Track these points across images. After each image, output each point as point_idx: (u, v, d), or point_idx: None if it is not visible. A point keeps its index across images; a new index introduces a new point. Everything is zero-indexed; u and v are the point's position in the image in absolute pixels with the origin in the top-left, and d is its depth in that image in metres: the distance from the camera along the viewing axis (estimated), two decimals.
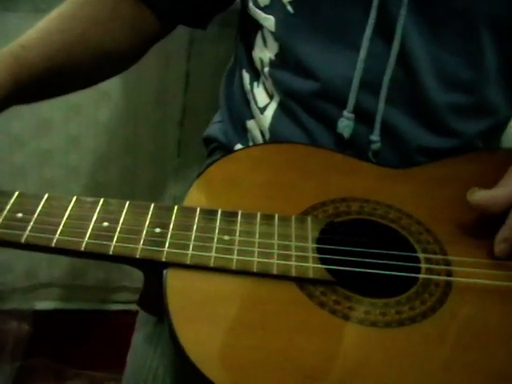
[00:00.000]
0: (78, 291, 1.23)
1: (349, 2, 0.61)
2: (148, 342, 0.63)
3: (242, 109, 0.75)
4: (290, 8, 0.63)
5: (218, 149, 0.80)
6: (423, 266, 0.54)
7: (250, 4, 0.68)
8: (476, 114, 0.67)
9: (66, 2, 0.67)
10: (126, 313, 1.23)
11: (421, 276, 0.53)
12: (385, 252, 0.54)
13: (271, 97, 0.70)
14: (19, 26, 0.66)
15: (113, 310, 1.26)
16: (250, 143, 0.75)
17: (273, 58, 0.67)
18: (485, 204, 0.55)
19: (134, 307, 0.60)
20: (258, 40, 0.69)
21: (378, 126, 0.64)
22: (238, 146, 0.75)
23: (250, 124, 0.74)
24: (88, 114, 1.03)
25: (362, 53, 0.61)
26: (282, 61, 0.66)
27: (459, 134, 0.67)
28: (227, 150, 0.76)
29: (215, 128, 0.81)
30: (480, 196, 0.56)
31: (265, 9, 0.66)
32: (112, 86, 1.01)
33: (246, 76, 0.74)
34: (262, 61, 0.69)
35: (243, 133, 0.76)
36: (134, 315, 0.69)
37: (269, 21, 0.66)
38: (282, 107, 0.69)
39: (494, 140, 0.74)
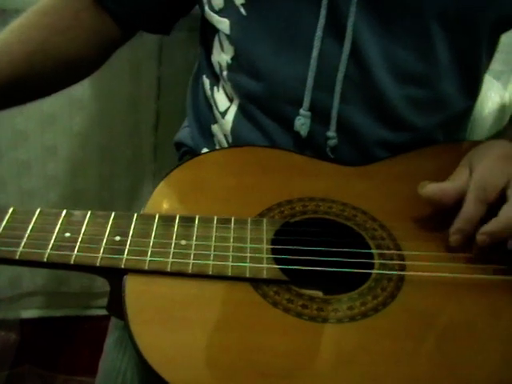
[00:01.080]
0: (63, 298, 1.25)
1: (299, 2, 0.62)
2: (118, 345, 0.65)
3: (206, 114, 0.76)
4: (242, 10, 0.64)
5: (188, 153, 0.81)
6: (377, 261, 0.55)
7: (206, 8, 0.68)
8: (431, 107, 0.67)
9: (26, 12, 0.67)
10: (111, 318, 1.24)
11: (373, 272, 0.54)
12: (339, 250, 0.55)
13: (231, 100, 0.71)
14: None
15: (98, 315, 1.27)
16: (217, 147, 0.75)
17: (229, 61, 0.68)
18: (435, 197, 0.56)
19: None
20: (216, 44, 0.70)
21: (333, 122, 0.65)
22: (205, 151, 0.76)
23: (215, 128, 0.75)
24: (63, 123, 1.04)
25: (315, 52, 0.62)
26: (238, 64, 0.67)
27: (416, 127, 0.68)
28: (196, 154, 0.77)
29: (184, 133, 0.82)
30: (430, 189, 0.56)
31: (219, 12, 0.67)
32: (85, 94, 1.02)
33: (207, 81, 0.74)
34: (220, 65, 0.70)
35: (210, 137, 0.77)
36: None
37: (224, 24, 0.66)
38: (241, 110, 0.70)
39: (454, 132, 0.74)
